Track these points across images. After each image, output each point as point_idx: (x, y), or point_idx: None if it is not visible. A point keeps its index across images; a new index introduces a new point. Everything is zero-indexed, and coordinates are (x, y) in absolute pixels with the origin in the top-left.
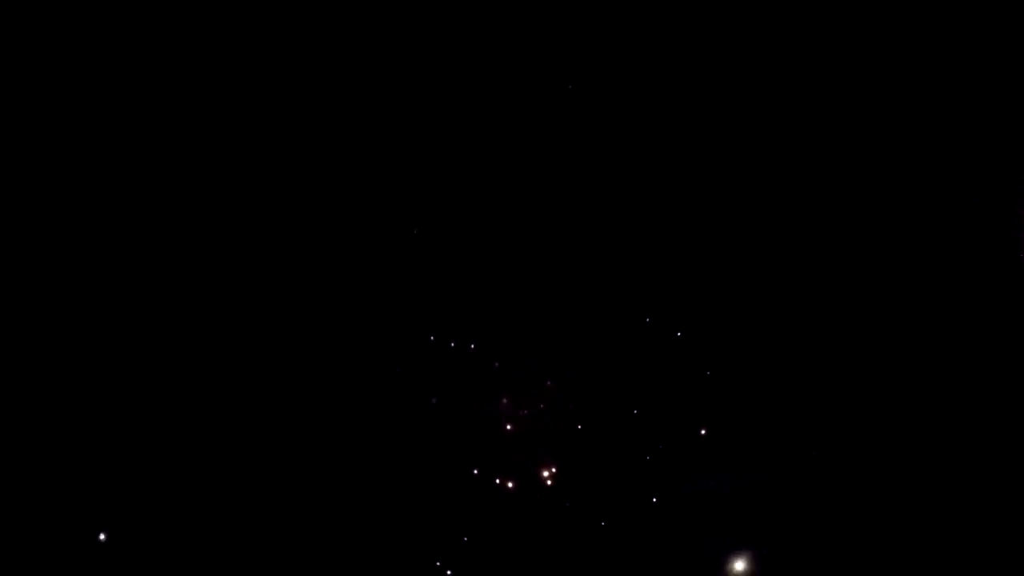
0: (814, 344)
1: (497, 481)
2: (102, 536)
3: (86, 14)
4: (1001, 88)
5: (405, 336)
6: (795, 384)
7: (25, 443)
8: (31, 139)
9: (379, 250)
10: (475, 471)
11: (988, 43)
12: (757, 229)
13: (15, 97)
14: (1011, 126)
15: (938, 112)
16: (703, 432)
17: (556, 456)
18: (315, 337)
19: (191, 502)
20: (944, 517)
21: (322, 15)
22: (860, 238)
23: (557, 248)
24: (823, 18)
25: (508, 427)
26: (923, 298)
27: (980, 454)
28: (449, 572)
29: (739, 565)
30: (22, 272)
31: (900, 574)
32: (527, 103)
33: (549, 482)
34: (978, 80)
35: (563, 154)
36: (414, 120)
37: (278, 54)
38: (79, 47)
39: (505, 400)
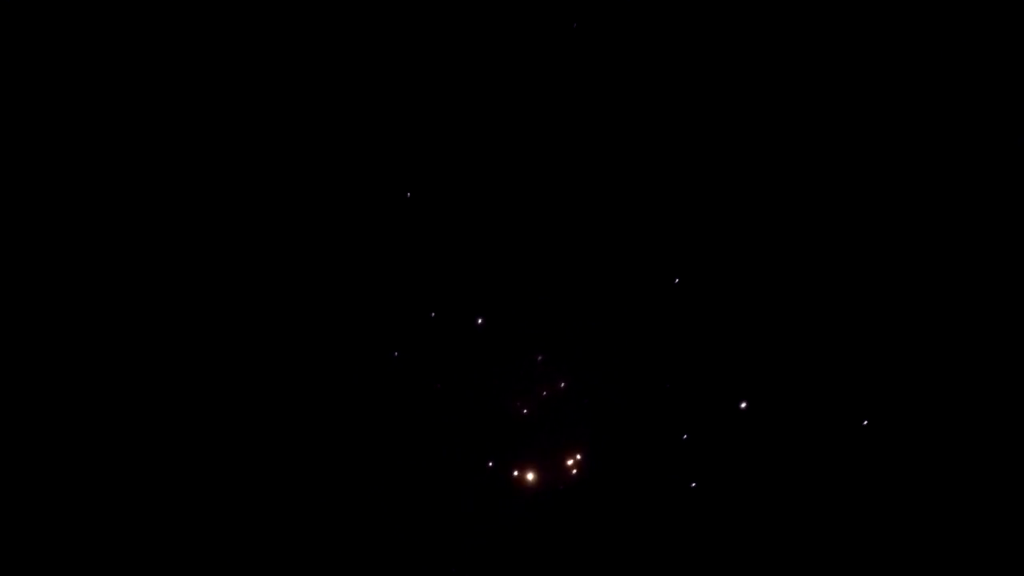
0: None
1: (515, 473)
2: (102, 536)
3: (86, 14)
4: (1001, 88)
5: (413, 321)
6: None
7: (25, 443)
8: (31, 139)
9: (386, 236)
10: (490, 463)
11: (988, 43)
12: (772, 225)
13: (15, 97)
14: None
15: (938, 111)
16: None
17: (581, 443)
18: (318, 324)
19: (193, 500)
20: (944, 517)
21: (321, 15)
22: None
23: (571, 239)
24: (823, 18)
25: (524, 411)
26: (925, 298)
27: (981, 454)
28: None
29: None
30: (22, 272)
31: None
32: (541, 99)
33: (574, 471)
34: (979, 80)
35: (587, 144)
36: (426, 108)
37: (276, 52)
38: (79, 47)
39: (521, 383)
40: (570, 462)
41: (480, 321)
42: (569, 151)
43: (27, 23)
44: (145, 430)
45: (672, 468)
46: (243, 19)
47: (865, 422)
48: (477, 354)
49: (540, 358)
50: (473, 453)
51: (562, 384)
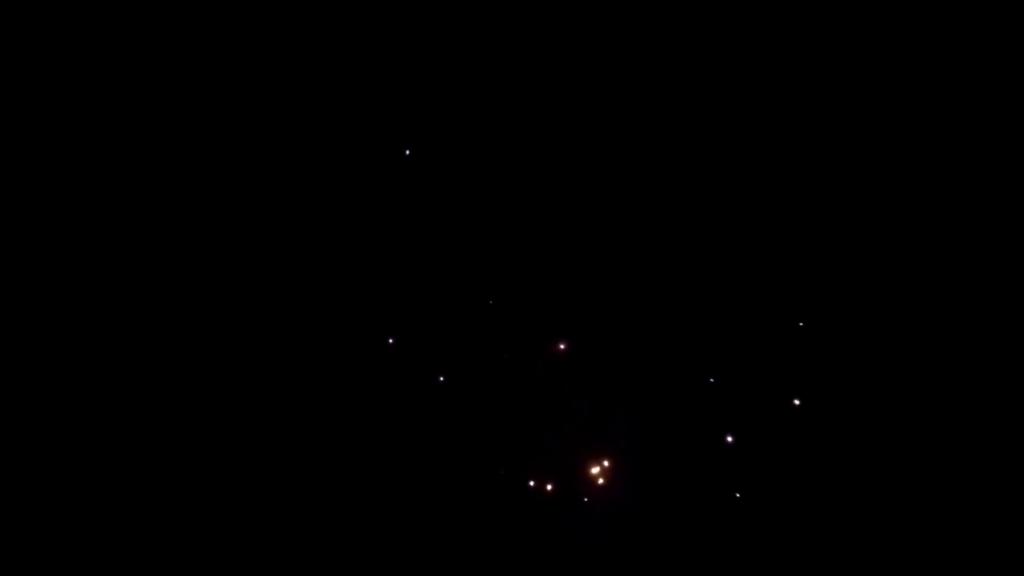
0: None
1: (531, 483)
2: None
3: (86, 14)
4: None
5: (420, 310)
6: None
7: (25, 443)
8: (31, 139)
9: (398, 232)
10: (501, 470)
11: (988, 43)
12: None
13: (15, 97)
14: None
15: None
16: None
17: (608, 446)
18: (330, 324)
19: (194, 502)
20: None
21: (319, 14)
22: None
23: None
24: (823, 18)
25: (541, 410)
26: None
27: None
28: None
29: None
30: (22, 272)
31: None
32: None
33: (600, 480)
34: (979, 80)
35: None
36: (424, 101)
37: (273, 52)
38: (79, 47)
39: (538, 376)
40: (595, 469)
41: (490, 303)
42: (583, 146)
43: (27, 23)
44: (141, 426)
45: (717, 477)
46: (243, 19)
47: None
48: (487, 345)
49: (562, 346)
50: (482, 458)
51: (586, 377)
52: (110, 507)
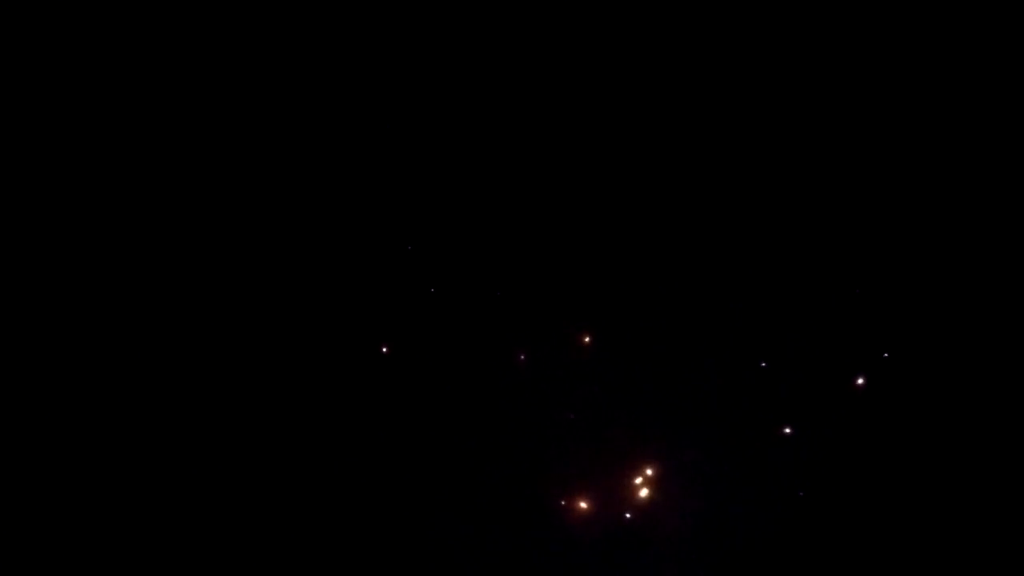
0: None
1: (563, 503)
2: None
3: (86, 14)
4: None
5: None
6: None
7: (25, 443)
8: (31, 139)
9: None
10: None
11: (988, 43)
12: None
13: (15, 97)
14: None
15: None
16: None
17: (650, 455)
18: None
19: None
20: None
21: (314, 14)
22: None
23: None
24: (822, 18)
25: (571, 415)
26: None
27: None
28: None
29: None
30: (21, 272)
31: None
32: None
33: (642, 492)
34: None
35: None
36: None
37: (270, 52)
38: (79, 47)
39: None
40: (638, 480)
41: (499, 295)
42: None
43: (27, 23)
44: (138, 426)
45: (774, 488)
46: (242, 19)
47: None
48: (508, 346)
49: (588, 340)
50: (507, 476)
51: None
52: (98, 504)
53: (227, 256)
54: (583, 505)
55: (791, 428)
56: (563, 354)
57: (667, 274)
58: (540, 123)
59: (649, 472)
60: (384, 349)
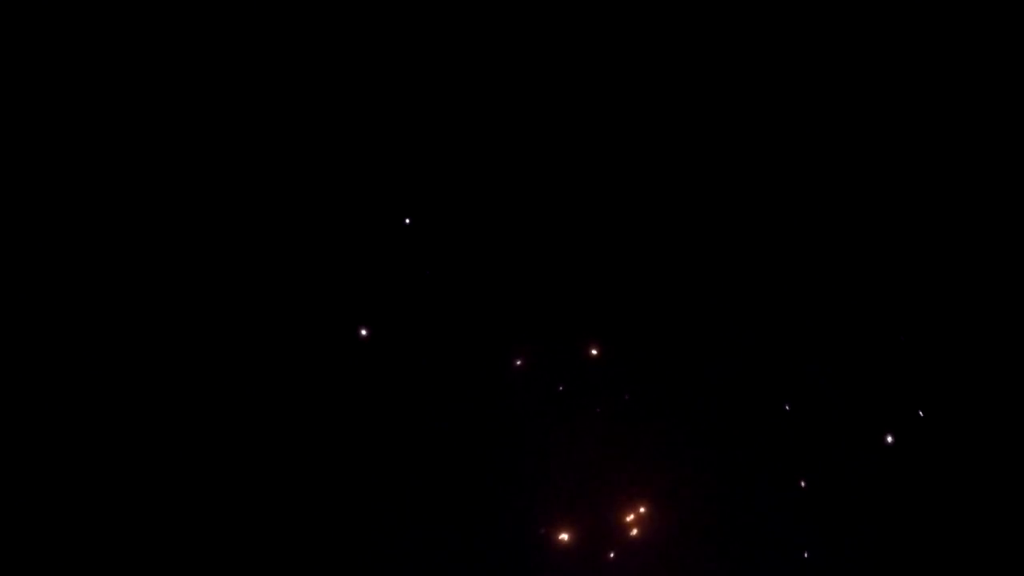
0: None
1: (542, 531)
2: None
3: (86, 14)
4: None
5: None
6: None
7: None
8: (31, 139)
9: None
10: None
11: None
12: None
13: (15, 97)
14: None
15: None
16: None
17: (645, 485)
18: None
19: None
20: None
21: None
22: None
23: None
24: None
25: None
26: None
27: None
28: None
29: None
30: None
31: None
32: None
33: (633, 531)
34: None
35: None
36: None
37: (265, 52)
38: (79, 47)
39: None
40: (630, 517)
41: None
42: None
43: (27, 23)
44: (114, 419)
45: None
46: (241, 19)
47: None
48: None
49: (593, 352)
50: (486, 501)
51: (625, 396)
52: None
53: (215, 249)
54: (564, 538)
55: (806, 482)
56: (560, 368)
57: (681, 301)
58: (543, 125)
59: (641, 510)
60: (363, 332)
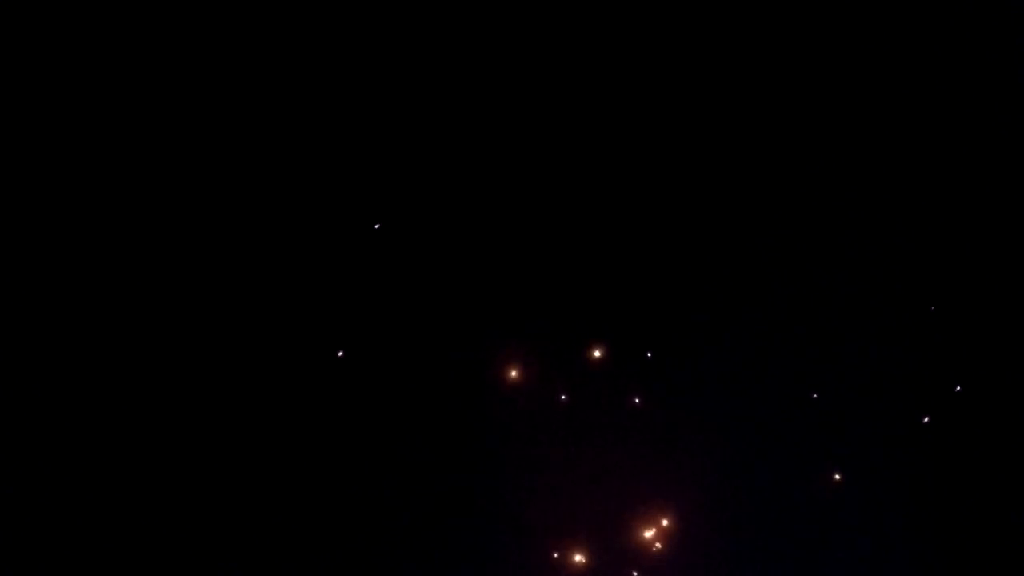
0: None
1: (555, 555)
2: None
3: (86, 14)
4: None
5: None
6: None
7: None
8: (31, 139)
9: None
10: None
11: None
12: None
13: (15, 97)
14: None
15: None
16: None
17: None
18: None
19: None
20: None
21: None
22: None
23: None
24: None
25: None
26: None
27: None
28: None
29: None
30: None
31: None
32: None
33: (656, 546)
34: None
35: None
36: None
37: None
38: (79, 47)
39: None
40: (648, 533)
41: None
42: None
43: (27, 23)
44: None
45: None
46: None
47: None
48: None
49: (597, 354)
50: (492, 521)
51: (636, 399)
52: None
53: (191, 250)
54: (579, 560)
55: (840, 474)
56: (565, 376)
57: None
58: (539, 127)
59: (664, 522)
60: (339, 354)
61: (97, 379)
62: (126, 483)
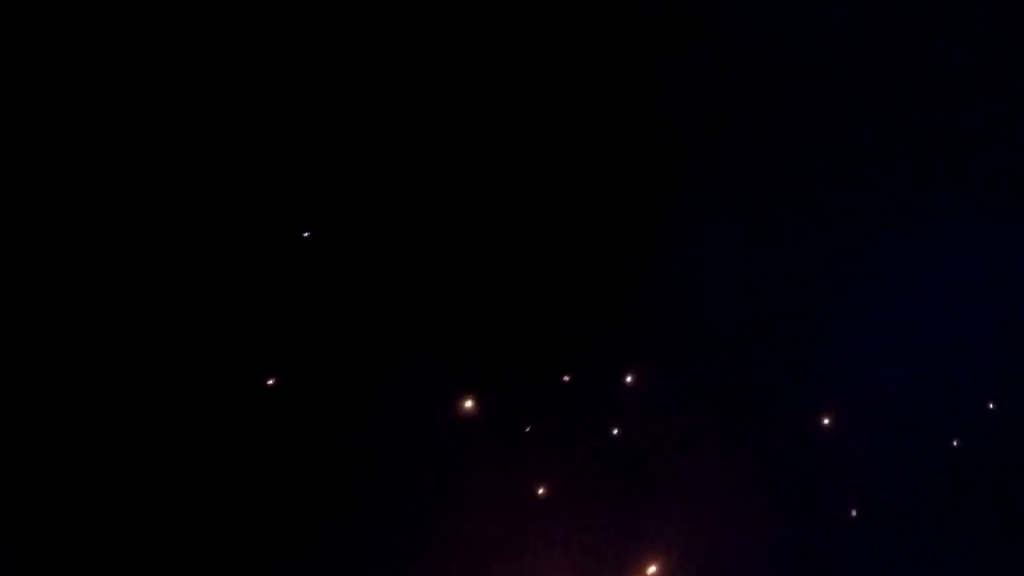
0: None
1: None
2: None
3: (86, 14)
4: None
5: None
6: None
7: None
8: (31, 139)
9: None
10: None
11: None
12: None
13: (15, 97)
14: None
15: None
16: None
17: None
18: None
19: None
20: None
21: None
22: None
23: None
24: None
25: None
26: None
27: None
28: None
29: None
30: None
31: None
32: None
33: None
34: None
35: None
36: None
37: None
38: (79, 47)
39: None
40: (652, 569)
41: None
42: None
43: (27, 23)
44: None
45: None
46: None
47: None
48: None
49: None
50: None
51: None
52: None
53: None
54: None
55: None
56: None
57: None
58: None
59: (651, 570)
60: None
61: (67, 382)
62: (98, 486)
